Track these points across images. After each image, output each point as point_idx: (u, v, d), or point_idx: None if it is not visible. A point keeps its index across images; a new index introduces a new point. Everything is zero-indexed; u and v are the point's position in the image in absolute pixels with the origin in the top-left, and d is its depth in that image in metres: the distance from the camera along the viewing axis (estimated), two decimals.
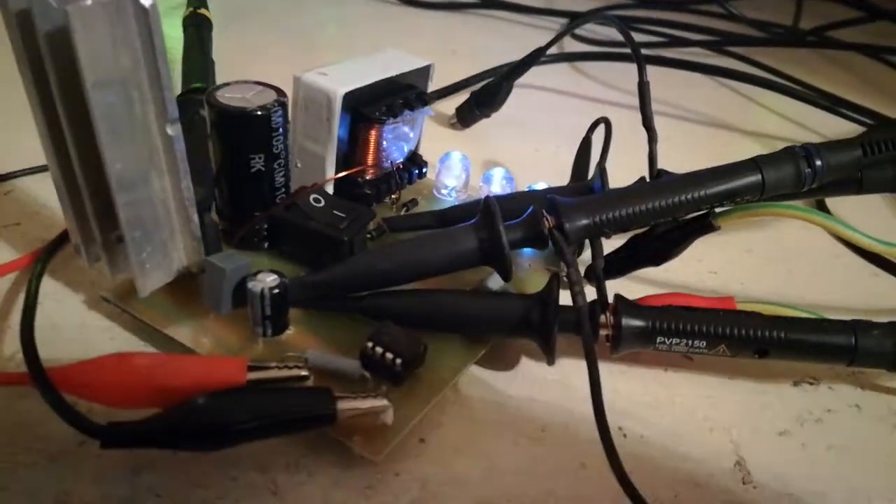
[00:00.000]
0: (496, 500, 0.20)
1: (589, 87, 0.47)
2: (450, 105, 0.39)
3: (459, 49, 0.51)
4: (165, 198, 0.21)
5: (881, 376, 0.25)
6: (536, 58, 0.36)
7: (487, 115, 0.38)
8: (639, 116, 0.29)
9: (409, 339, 0.22)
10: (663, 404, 0.24)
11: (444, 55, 0.50)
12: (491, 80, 0.37)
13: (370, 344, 0.21)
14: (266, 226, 0.26)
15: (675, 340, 0.22)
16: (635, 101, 0.30)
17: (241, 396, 0.19)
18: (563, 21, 0.56)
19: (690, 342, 0.22)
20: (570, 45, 0.50)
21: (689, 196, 0.24)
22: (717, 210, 0.25)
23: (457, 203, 0.30)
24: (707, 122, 0.44)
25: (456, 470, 0.21)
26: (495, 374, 0.24)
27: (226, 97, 0.24)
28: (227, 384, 0.19)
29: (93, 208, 0.21)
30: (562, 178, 0.31)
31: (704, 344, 0.22)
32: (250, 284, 0.21)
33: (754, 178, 0.24)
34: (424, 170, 0.30)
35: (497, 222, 0.23)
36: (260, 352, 0.22)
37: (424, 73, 0.29)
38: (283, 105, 0.24)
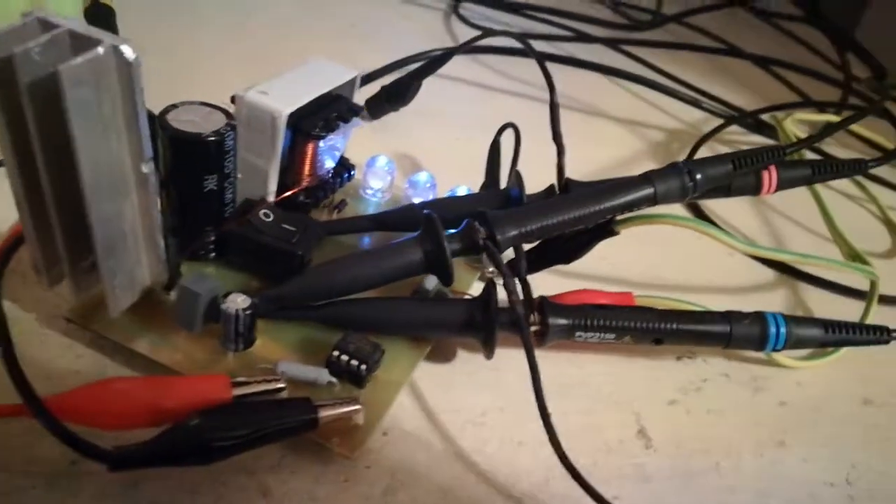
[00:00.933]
0: (455, 482, 0.23)
1: (489, 77, 0.50)
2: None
3: (359, 25, 0.52)
4: (135, 226, 0.23)
5: (744, 350, 0.31)
6: (447, 59, 0.38)
7: (396, 109, 0.40)
8: (537, 105, 0.32)
9: (369, 346, 0.24)
10: (577, 384, 0.28)
11: (344, 31, 0.51)
12: (402, 77, 0.39)
13: (336, 353, 0.24)
14: (213, 238, 0.27)
15: (590, 334, 0.26)
16: (533, 91, 0.33)
17: (232, 412, 0.21)
18: None
19: (602, 335, 0.26)
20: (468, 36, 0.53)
21: (597, 208, 0.28)
22: (618, 217, 0.29)
23: (386, 207, 0.33)
24: (585, 111, 0.48)
25: (417, 458, 0.24)
26: (438, 367, 0.27)
27: (178, 120, 0.25)
28: (214, 401, 0.21)
29: (63, 239, 0.22)
30: (471, 169, 0.34)
31: (613, 336, 0.27)
32: (224, 307, 0.23)
33: (648, 190, 0.28)
34: (353, 172, 0.32)
35: (441, 237, 0.26)
36: (230, 364, 0.24)
37: (352, 82, 0.31)
38: (234, 128, 0.25)
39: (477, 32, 0.52)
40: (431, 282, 0.28)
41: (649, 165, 0.44)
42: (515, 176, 0.31)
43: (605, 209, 0.28)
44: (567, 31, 0.56)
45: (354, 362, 0.24)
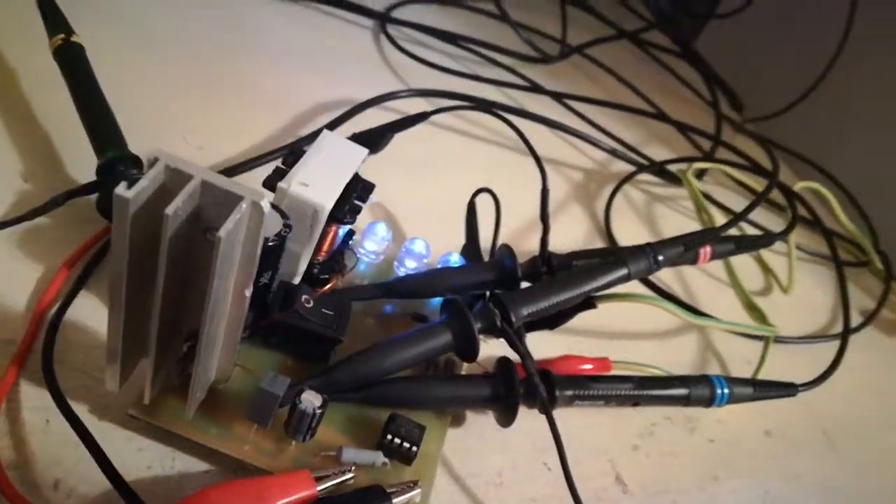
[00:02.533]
0: None
1: (446, 119, 0.52)
2: None
3: (290, 46, 0.52)
4: (220, 336, 0.24)
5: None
6: (424, 118, 0.41)
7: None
8: (495, 148, 0.35)
9: (416, 427, 0.28)
10: (565, 438, 0.33)
11: (277, 55, 0.51)
12: (376, 127, 0.41)
13: (389, 437, 0.27)
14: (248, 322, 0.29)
15: (586, 402, 0.31)
16: (490, 135, 0.36)
17: None
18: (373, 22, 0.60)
19: (595, 402, 0.32)
20: (430, 81, 0.54)
21: (587, 288, 0.32)
22: (597, 294, 0.34)
23: (380, 269, 0.35)
24: (516, 150, 0.52)
25: None
26: (454, 433, 0.31)
27: None
28: (303, 498, 0.24)
29: (157, 351, 0.23)
30: (446, 217, 0.38)
31: (603, 402, 0.32)
32: (303, 406, 0.25)
33: (624, 271, 0.34)
34: (354, 237, 0.34)
35: (472, 323, 0.29)
36: (294, 452, 0.26)
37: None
38: (291, 227, 0.27)
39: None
40: None
41: (575, 207, 0.50)
42: (504, 248, 0.35)
43: (593, 289, 0.33)
44: (497, 64, 0.60)
45: (406, 444, 0.27)
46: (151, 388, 0.24)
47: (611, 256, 0.34)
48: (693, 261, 0.38)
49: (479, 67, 0.60)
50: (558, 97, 0.57)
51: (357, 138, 0.41)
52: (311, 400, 0.25)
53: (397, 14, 0.61)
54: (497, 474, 0.30)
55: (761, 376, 0.40)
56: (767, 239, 0.40)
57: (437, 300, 0.35)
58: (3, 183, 0.32)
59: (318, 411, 0.25)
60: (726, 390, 0.34)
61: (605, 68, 0.66)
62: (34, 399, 0.25)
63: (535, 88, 0.57)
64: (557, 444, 0.28)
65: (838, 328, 0.48)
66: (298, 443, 0.26)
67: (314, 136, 0.41)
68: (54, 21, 0.36)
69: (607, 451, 0.33)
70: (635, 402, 0.32)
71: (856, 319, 0.50)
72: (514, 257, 0.34)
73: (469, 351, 0.30)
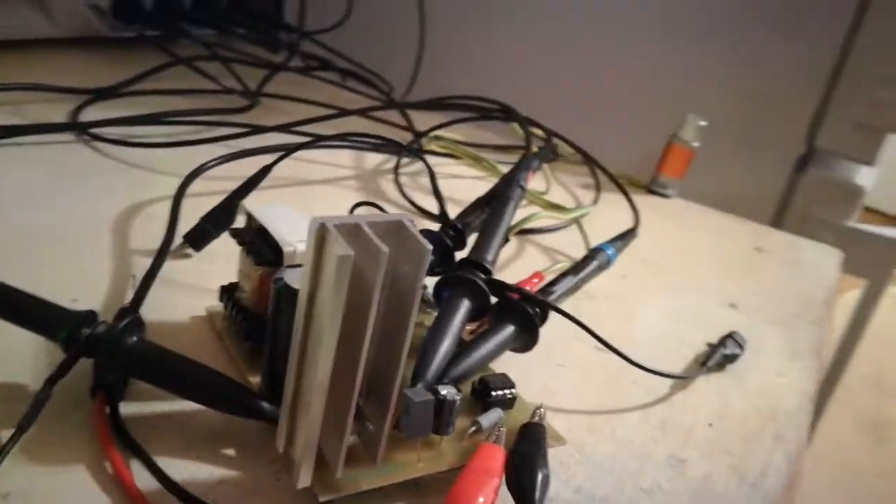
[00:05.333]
0: None
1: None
2: None
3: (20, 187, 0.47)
4: None
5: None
6: (263, 175, 0.41)
7: (219, 235, 0.42)
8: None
9: (501, 377, 0.32)
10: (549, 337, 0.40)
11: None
12: (222, 202, 0.41)
13: (494, 392, 0.31)
14: None
15: (559, 301, 0.38)
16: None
17: (528, 456, 0.28)
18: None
19: (560, 300, 0.39)
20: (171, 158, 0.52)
21: (506, 227, 0.39)
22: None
23: None
24: (298, 184, 0.55)
25: None
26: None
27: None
28: (502, 459, 0.27)
29: (356, 413, 0.24)
30: None
31: (565, 297, 0.39)
32: (451, 399, 0.28)
33: (512, 204, 0.41)
34: None
35: (483, 286, 0.34)
36: (447, 446, 0.29)
37: None
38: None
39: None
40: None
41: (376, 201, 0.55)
42: (428, 232, 0.39)
43: (508, 228, 0.40)
44: (212, 124, 0.60)
45: (508, 392, 0.32)
46: (341, 461, 0.25)
47: (489, 201, 0.42)
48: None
49: (197, 134, 0.60)
50: (285, 128, 0.60)
51: (209, 220, 0.41)
52: (450, 392, 0.28)
53: (82, 118, 0.58)
54: (545, 386, 0.36)
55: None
56: (548, 151, 0.52)
57: None
58: None
59: (459, 396, 0.28)
60: (612, 250, 0.44)
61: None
62: None
63: (258, 130, 0.60)
64: (589, 331, 0.35)
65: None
66: (447, 437, 0.29)
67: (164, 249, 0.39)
68: None
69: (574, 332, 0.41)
70: (578, 286, 0.41)
71: None
72: (440, 235, 0.39)
73: (486, 307, 0.35)
